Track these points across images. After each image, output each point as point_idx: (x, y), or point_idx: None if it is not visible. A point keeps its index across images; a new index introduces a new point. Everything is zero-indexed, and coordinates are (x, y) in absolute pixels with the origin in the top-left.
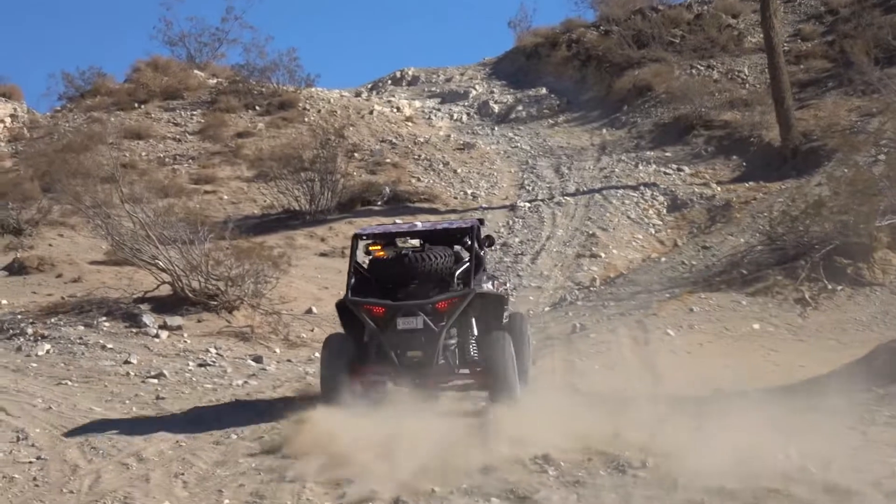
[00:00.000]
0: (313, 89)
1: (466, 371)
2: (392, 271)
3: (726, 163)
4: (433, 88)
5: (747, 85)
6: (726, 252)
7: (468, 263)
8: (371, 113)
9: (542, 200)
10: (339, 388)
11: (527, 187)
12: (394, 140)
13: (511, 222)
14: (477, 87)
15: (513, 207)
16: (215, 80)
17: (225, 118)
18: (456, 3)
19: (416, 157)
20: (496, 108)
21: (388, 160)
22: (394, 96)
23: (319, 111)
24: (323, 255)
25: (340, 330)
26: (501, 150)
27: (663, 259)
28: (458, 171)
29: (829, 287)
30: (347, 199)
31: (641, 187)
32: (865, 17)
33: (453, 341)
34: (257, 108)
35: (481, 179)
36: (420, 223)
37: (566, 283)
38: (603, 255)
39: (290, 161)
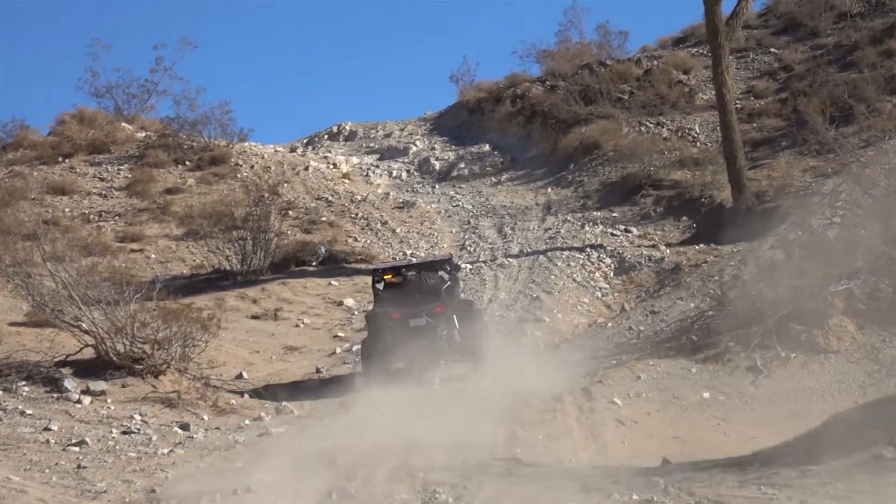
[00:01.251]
0: (246, 144)
1: (454, 351)
2: (402, 290)
3: (676, 224)
4: (371, 144)
5: (698, 143)
6: (675, 317)
7: (449, 282)
8: (306, 169)
9: (485, 262)
10: (377, 376)
11: (468, 248)
12: (330, 198)
13: None
14: (417, 142)
15: None
16: (144, 134)
17: (153, 173)
18: (396, 56)
19: (353, 215)
20: (437, 165)
21: (323, 218)
22: (330, 152)
23: (253, 167)
24: (255, 317)
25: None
26: (442, 209)
27: (610, 324)
28: (397, 230)
29: (783, 354)
30: (281, 259)
31: (588, 249)
32: (820, 74)
33: (444, 332)
34: (187, 162)
35: (421, 239)
36: (414, 259)
37: (508, 349)
38: (547, 319)
39: (222, 219)
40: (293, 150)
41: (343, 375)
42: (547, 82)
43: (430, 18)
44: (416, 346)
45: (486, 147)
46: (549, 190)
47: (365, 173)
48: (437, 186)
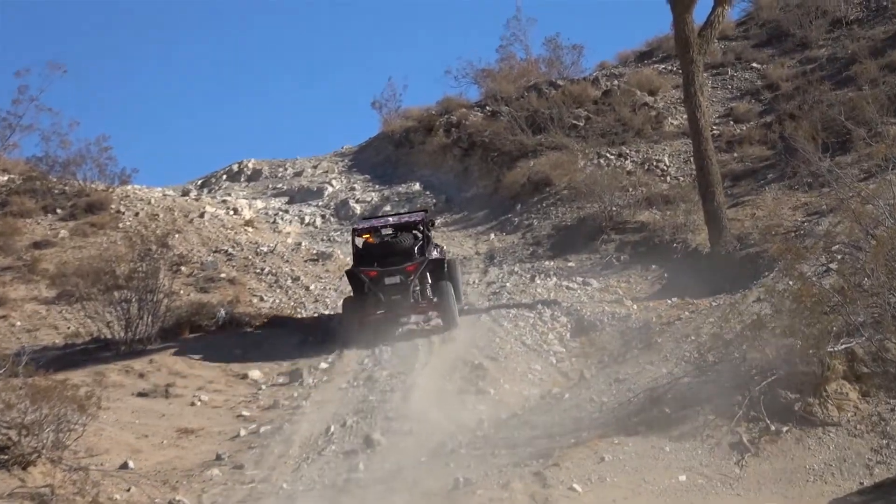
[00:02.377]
0: (130, 187)
1: (424, 304)
2: (378, 250)
3: (644, 274)
4: (279, 185)
5: (668, 177)
6: (645, 385)
7: (421, 241)
8: (202, 216)
9: (416, 323)
10: (354, 332)
11: None
12: (230, 249)
13: (377, 351)
14: (334, 182)
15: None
16: (6, 177)
17: (18, 224)
18: (308, 80)
19: (258, 270)
20: (358, 208)
21: (223, 275)
22: (230, 195)
23: (137, 214)
24: (142, 395)
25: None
26: None
27: (567, 395)
28: (312, 287)
29: (773, 428)
30: (173, 324)
31: (539, 306)
32: (812, 92)
33: (417, 288)
34: (59, 210)
35: (339, 298)
36: (391, 218)
37: (446, 426)
38: (492, 390)
39: (101, 277)
40: (186, 193)
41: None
42: (487, 107)
43: (346, 35)
44: (391, 301)
45: (417, 186)
46: (492, 236)
47: (272, 220)
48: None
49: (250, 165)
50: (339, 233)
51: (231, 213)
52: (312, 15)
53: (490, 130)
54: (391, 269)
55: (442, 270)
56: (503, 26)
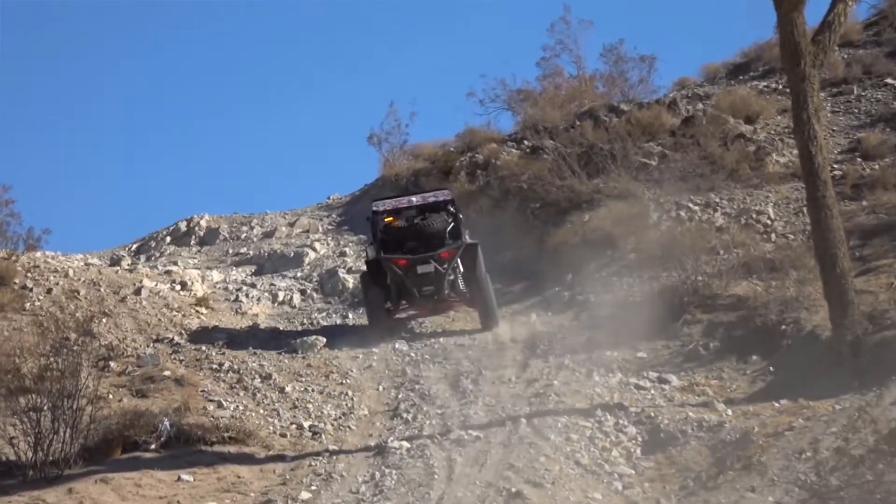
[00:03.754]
0: (40, 254)
1: (458, 298)
2: (406, 234)
3: (741, 368)
4: (243, 249)
5: (773, 235)
6: None
7: (454, 223)
8: (138, 293)
9: (431, 437)
10: (382, 331)
11: (404, 415)
12: (177, 338)
13: (378, 476)
14: (317, 245)
15: (380, 451)
16: None
17: None
18: (277, 107)
19: (214, 366)
20: (350, 280)
21: (167, 373)
22: (176, 263)
23: (50, 291)
24: None
25: None
26: (360, 352)
27: None
28: (288, 388)
29: None
30: (99, 441)
31: (598, 412)
32: None
33: (451, 277)
34: None
35: (326, 403)
36: (415, 198)
37: None
38: None
39: (2, 378)
40: (116, 262)
41: None
42: (525, 142)
43: (331, 46)
44: (422, 294)
45: None
46: (534, 316)
47: (233, 297)
48: (350, 315)
49: (203, 223)
50: (324, 314)
51: (178, 288)
52: (284, 20)
53: (530, 173)
54: (424, 256)
55: (476, 258)
56: (546, 31)
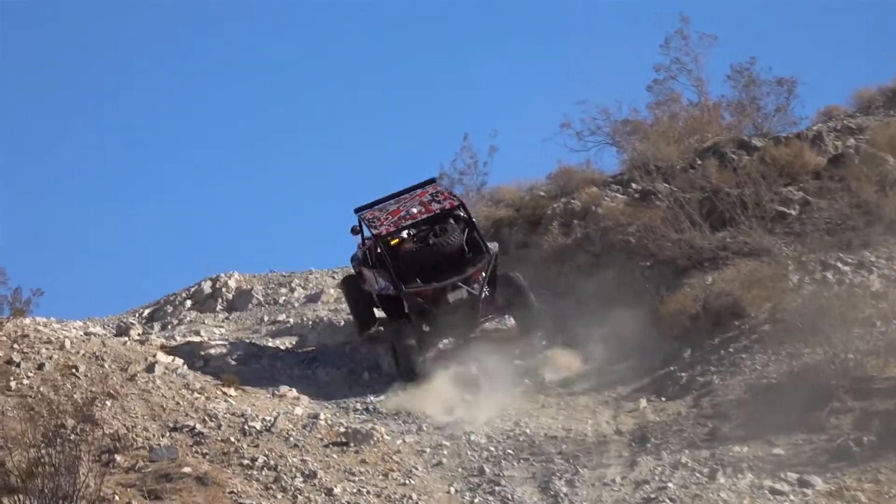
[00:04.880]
0: (29, 321)
1: (494, 311)
2: (423, 258)
3: None
4: (281, 316)
5: None
6: None
7: (471, 232)
8: (150, 370)
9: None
10: (417, 367)
11: None
12: (199, 426)
13: None
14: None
15: None
16: None
17: None
18: (323, 141)
19: (245, 461)
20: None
21: (186, 469)
22: (199, 333)
23: (42, 367)
24: None
25: None
26: (426, 445)
27: None
28: (337, 490)
29: None
30: None
31: None
32: None
33: (486, 296)
34: None
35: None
36: (415, 209)
37: None
38: None
39: None
40: (124, 331)
41: None
42: (633, 185)
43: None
44: (455, 322)
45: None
46: (644, 402)
47: (269, 375)
48: (415, 401)
49: (232, 284)
50: (381, 398)
51: (199, 363)
52: (326, 33)
53: (638, 224)
54: (453, 283)
55: (497, 263)
56: (660, 48)
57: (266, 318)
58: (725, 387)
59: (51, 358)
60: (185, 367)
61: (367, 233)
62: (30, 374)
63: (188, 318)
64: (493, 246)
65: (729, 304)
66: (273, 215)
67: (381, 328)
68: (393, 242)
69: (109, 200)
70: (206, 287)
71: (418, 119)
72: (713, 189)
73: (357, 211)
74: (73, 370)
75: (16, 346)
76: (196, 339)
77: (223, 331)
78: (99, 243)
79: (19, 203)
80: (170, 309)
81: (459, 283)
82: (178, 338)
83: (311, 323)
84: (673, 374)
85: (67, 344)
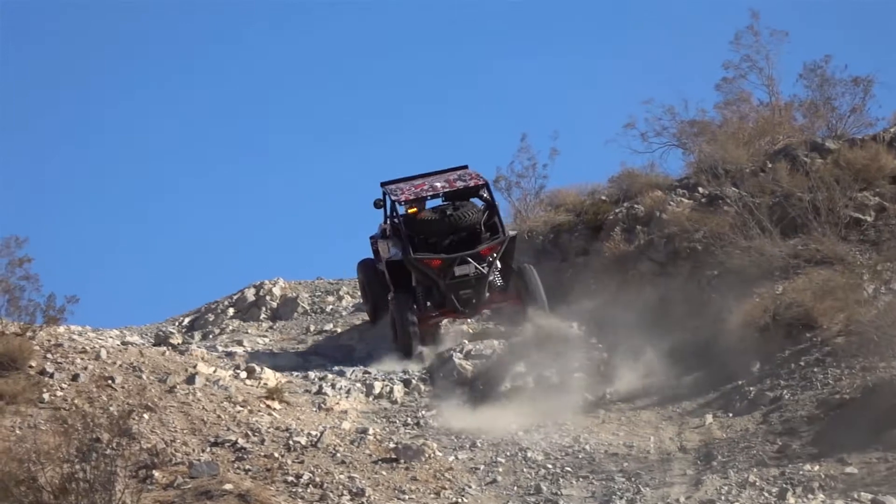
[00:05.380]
0: (63, 330)
1: (499, 297)
2: (438, 229)
3: None
4: (328, 326)
5: None
6: None
7: (491, 213)
8: (190, 381)
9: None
10: (414, 343)
11: None
12: (241, 441)
13: None
14: None
15: None
16: None
17: None
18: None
19: (290, 478)
20: (469, 367)
21: (227, 486)
22: (241, 343)
23: (76, 377)
24: None
25: None
26: (480, 462)
27: None
28: None
29: None
30: None
31: None
32: None
33: (492, 277)
34: None
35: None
36: (438, 183)
37: None
38: None
39: (11, 489)
40: (162, 341)
41: None
42: (700, 189)
43: (442, 58)
44: (459, 298)
45: (574, 327)
46: (709, 418)
47: (315, 388)
48: (469, 415)
49: (277, 292)
50: (434, 412)
51: (243, 375)
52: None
53: (705, 230)
54: (461, 255)
55: (513, 250)
56: (729, 44)
57: (312, 328)
58: (796, 402)
59: (86, 368)
60: (227, 378)
61: (389, 209)
62: (64, 385)
63: (230, 328)
64: (513, 232)
65: (800, 316)
66: (320, 220)
67: (422, 350)
68: (410, 211)
69: (148, 203)
70: (250, 295)
71: (474, 119)
72: (784, 194)
73: (383, 185)
74: (109, 381)
75: (49, 355)
76: (238, 349)
77: (267, 340)
78: (137, 248)
79: (53, 206)
80: (211, 317)
81: (468, 258)
82: (219, 348)
83: (358, 333)
84: (741, 388)
85: (103, 354)
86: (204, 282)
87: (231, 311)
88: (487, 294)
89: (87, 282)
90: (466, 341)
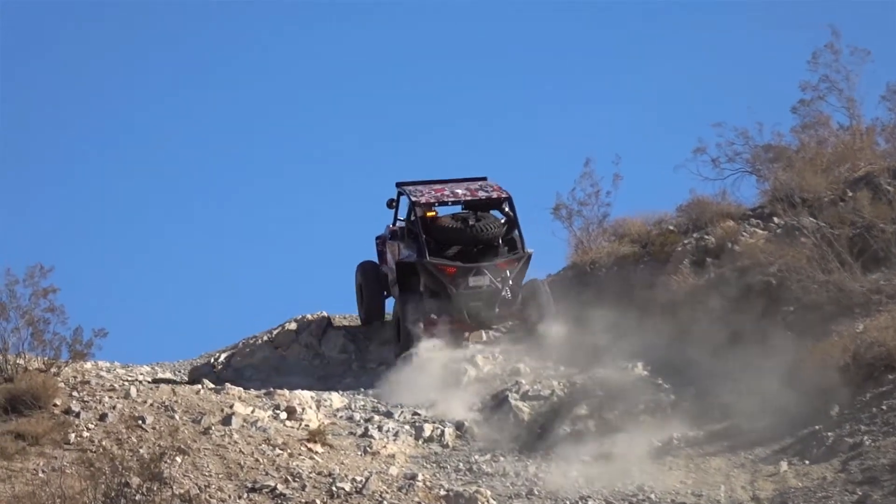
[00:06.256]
0: (90, 366)
1: (509, 313)
2: (458, 237)
3: None
4: (375, 363)
5: None
6: None
7: (511, 228)
8: (227, 423)
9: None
10: (416, 340)
11: None
12: (281, 487)
13: None
14: (479, 358)
15: None
16: None
17: None
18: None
19: None
20: (526, 409)
21: None
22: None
23: (104, 417)
24: None
25: None
26: None
27: None
28: None
29: None
30: None
31: None
32: None
33: (508, 294)
34: None
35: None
36: (460, 190)
37: None
38: None
39: None
40: (196, 379)
41: None
42: (775, 219)
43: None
44: (470, 309)
45: (638, 367)
46: (784, 465)
47: (360, 430)
48: (526, 460)
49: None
50: (488, 456)
51: (283, 416)
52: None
53: (781, 263)
54: (478, 266)
55: (526, 268)
56: (807, 64)
57: (355, 365)
58: (877, 449)
59: (114, 408)
60: (266, 419)
61: (402, 213)
62: (91, 425)
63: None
64: (531, 251)
65: (882, 356)
66: (367, 249)
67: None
68: (429, 214)
69: (182, 231)
70: (292, 328)
71: (532, 142)
72: (865, 224)
73: (399, 185)
74: (140, 422)
75: (75, 393)
76: (278, 388)
77: (309, 379)
78: (170, 278)
79: (80, 233)
80: (247, 350)
81: (485, 270)
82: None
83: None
84: (818, 433)
85: (133, 392)
86: (242, 314)
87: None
88: (497, 310)
89: (117, 314)
90: (523, 381)
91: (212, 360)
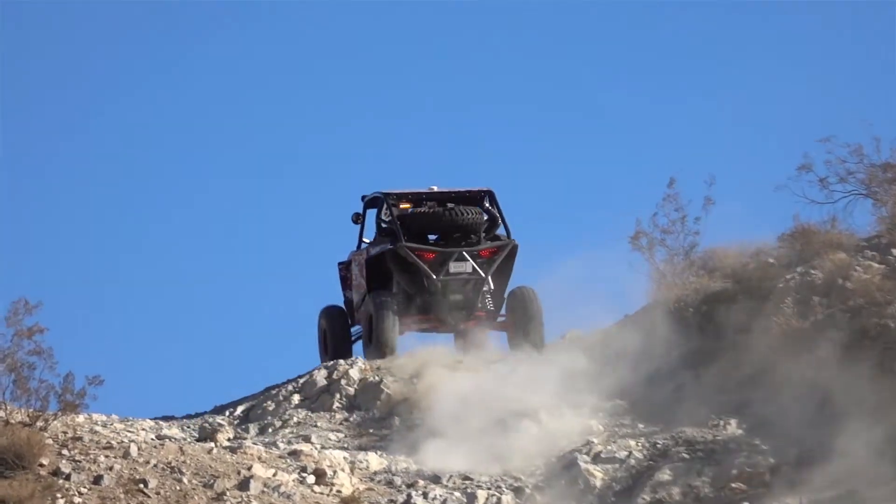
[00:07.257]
0: (82, 419)
1: (492, 316)
2: (434, 223)
3: None
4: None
5: None
6: None
7: (494, 224)
8: (245, 487)
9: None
10: (389, 346)
11: None
12: None
13: None
14: (543, 413)
15: None
16: None
17: None
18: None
19: None
20: (599, 475)
21: None
22: (309, 439)
23: (99, 480)
24: None
25: None
26: None
27: None
28: None
29: None
30: None
31: None
32: None
33: (486, 289)
34: None
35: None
36: (436, 187)
37: None
38: None
39: None
40: (208, 435)
41: None
42: (894, 251)
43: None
44: (449, 303)
45: (732, 426)
46: None
47: (402, 496)
48: None
49: (354, 374)
50: None
51: (310, 480)
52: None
53: None
54: (460, 251)
55: (512, 266)
56: None
57: (398, 422)
58: None
59: (111, 469)
60: (291, 483)
61: (368, 234)
62: (83, 489)
63: (295, 419)
64: (516, 242)
65: None
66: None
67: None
68: (403, 205)
69: (192, 264)
70: (321, 378)
71: (608, 159)
72: None
73: (364, 197)
74: (141, 486)
75: (65, 451)
76: (305, 446)
77: (341, 436)
78: (178, 319)
79: (73, 265)
80: (271, 406)
81: (466, 255)
82: (280, 444)
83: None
84: None
85: (134, 450)
86: (263, 362)
87: (296, 398)
88: (480, 305)
89: (115, 359)
90: (595, 440)
91: (227, 414)
